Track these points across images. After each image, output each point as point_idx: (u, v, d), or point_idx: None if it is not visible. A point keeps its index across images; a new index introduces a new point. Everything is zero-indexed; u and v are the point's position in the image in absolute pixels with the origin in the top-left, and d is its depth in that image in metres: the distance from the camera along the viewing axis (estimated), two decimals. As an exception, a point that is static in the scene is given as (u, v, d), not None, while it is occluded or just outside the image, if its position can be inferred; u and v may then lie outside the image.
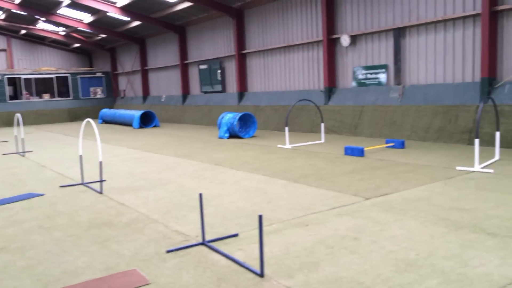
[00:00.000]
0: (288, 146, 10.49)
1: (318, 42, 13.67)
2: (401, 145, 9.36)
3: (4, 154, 11.56)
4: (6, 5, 20.58)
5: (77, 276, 3.56)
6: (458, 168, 6.97)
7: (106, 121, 21.89)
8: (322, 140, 11.17)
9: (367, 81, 12.35)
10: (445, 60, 10.49)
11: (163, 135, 15.13)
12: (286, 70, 15.13)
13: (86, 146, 12.28)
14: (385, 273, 3.32)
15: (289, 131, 13.27)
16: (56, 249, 4.20)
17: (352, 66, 12.76)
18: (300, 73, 14.56)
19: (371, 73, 12.25)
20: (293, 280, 3.28)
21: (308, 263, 3.59)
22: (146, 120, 18.92)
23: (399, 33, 11.32)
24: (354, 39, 12.55)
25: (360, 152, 8.61)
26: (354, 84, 12.73)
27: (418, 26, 10.93)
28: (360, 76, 12.52)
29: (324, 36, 13.09)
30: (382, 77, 11.94)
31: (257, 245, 4.00)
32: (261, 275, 3.38)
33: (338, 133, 12.52)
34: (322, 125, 11.40)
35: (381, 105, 11.66)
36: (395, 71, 11.52)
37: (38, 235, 4.65)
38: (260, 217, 3.30)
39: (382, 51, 11.93)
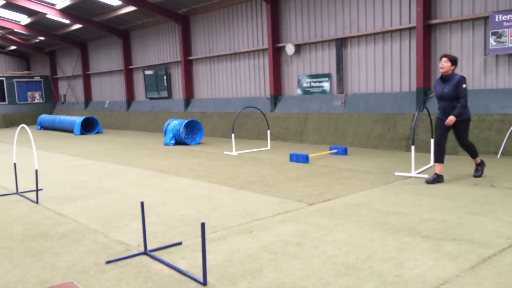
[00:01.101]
0: (234, 153, 10.51)
1: (263, 50, 13.85)
2: (344, 152, 9.66)
3: None
4: None
5: (8, 291, 3.35)
6: (396, 173, 7.29)
7: (45, 127, 20.89)
8: (268, 147, 11.29)
9: (312, 89, 12.65)
10: (384, 70, 10.97)
11: (106, 141, 14.65)
12: (232, 77, 15.19)
13: (22, 153, 11.64)
14: (326, 277, 3.40)
15: (236, 138, 13.30)
16: (-15, 264, 3.93)
17: (297, 74, 13.03)
18: (247, 81, 14.66)
19: (315, 82, 12.57)
20: (236, 288, 3.28)
21: (251, 269, 3.60)
22: (88, 127, 18.25)
23: (341, 43, 11.71)
24: (298, 48, 12.84)
25: (304, 159, 8.79)
26: (299, 92, 13.00)
27: (358, 37, 11.37)
28: (305, 84, 12.81)
29: (269, 44, 13.28)
30: (326, 85, 12.28)
31: (200, 253, 3.96)
32: (204, 283, 3.34)
33: (284, 140, 12.71)
34: (268, 132, 11.53)
35: (325, 113, 11.98)
36: (338, 80, 11.90)
37: (-35, 249, 4.34)
38: (203, 224, 3.27)
39: (325, 60, 12.28)
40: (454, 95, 6.37)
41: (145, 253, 4.06)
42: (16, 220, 5.35)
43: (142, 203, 4.06)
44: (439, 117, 6.66)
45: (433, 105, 9.71)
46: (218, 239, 4.38)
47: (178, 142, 12.93)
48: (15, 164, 7.10)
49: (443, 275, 3.36)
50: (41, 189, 6.87)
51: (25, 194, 6.70)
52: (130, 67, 19.84)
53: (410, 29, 10.32)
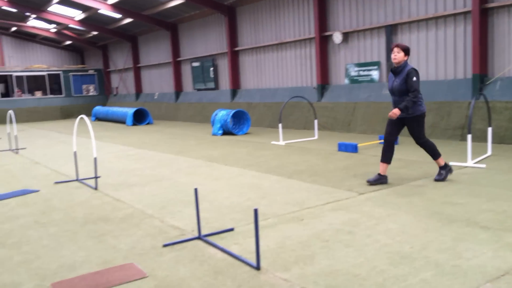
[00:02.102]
0: (281, 142, 10.53)
1: (310, 39, 13.71)
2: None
3: (-4, 151, 11.49)
4: (-3, 2, 20.38)
5: (75, 270, 3.57)
6: (451, 163, 7.05)
7: (99, 118, 21.79)
8: (316, 137, 11.22)
9: (360, 78, 12.42)
10: (437, 57, 10.58)
11: (156, 132, 15.10)
12: (279, 67, 15.16)
13: (79, 143, 12.23)
14: (380, 265, 3.37)
15: (283, 128, 13.30)
16: (53, 244, 4.20)
17: (345, 63, 12.82)
18: (293, 70, 14.60)
19: (363, 70, 12.32)
20: (289, 273, 3.32)
21: (303, 256, 3.63)
22: (139, 118, 18.86)
23: (391, 30, 11.39)
24: (346, 36, 12.61)
25: (353, 148, 8.68)
26: (346, 81, 12.80)
27: (409, 23, 11.01)
28: (353, 73, 12.59)
29: (316, 33, 13.13)
30: (375, 74, 12.01)
31: (252, 239, 4.03)
32: (258, 268, 3.41)
33: (331, 130, 12.58)
34: (315, 122, 11.45)
35: (374, 102, 11.73)
36: (388, 68, 11.60)
37: (34, 231, 4.65)
38: (256, 210, 3.33)
39: (375, 48, 12.00)
40: (404, 89, 5.70)
41: (199, 237, 4.19)
42: (78, 205, 5.66)
43: (195, 190, 4.18)
44: None
45: (491, 92, 9.28)
46: (269, 226, 4.44)
47: (226, 132, 13.12)
48: (75, 152, 7.48)
49: (504, 266, 3.24)
50: (99, 177, 7.21)
51: (84, 181, 7.06)
52: (178, 59, 20.25)
53: (465, 13, 9.87)
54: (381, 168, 5.97)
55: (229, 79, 17.24)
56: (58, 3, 19.88)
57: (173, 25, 19.98)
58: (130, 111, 18.45)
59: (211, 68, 18.19)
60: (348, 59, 12.74)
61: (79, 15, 21.41)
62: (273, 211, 4.98)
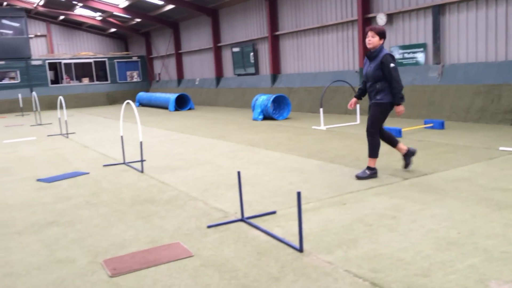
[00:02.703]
0: (322, 127, 10.45)
1: (353, 21, 13.41)
2: (441, 126, 9.15)
3: (49, 135, 12.06)
4: (46, -8, 21.15)
5: (125, 248, 3.73)
6: (501, 148, 6.77)
7: (143, 104, 22.35)
8: (358, 122, 11.05)
9: (404, 61, 12.06)
10: (487, 38, 10.09)
11: (198, 117, 15.34)
12: (319, 51, 14.95)
13: (125, 128, 12.62)
14: (425, 250, 3.32)
15: (324, 112, 13.17)
16: (103, 223, 4.41)
17: (389, 45, 12.47)
18: (334, 54, 14.36)
19: (408, 53, 11.95)
20: (332, 256, 3.33)
21: (346, 240, 3.63)
22: (181, 103, 19.20)
23: (438, 11, 10.95)
24: (390, 17, 12.24)
25: (397, 133, 8.48)
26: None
27: (458, 2, 10.53)
28: (397, 56, 12.22)
29: (359, 15, 12.82)
30: (420, 56, 11.62)
31: (295, 222, 4.07)
32: (301, 250, 3.44)
33: (373, 115, 12.32)
34: (358, 106, 11.26)
35: (419, 85, 11.38)
36: (434, 50, 11.19)
37: (86, 210, 4.88)
38: (299, 193, 3.35)
39: (420, 29, 11.58)
40: (378, 75, 5.32)
41: (242, 220, 4.27)
42: (125, 187, 5.88)
43: (238, 173, 4.24)
44: (370, 102, 5.65)
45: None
46: (311, 210, 4.45)
47: (266, 117, 13.14)
48: (122, 137, 7.75)
49: (559, 254, 3.12)
50: (144, 160, 7.43)
51: (131, 164, 7.31)
52: (219, 44, 20.36)
53: (519, -10, 9.33)
54: (370, 162, 5.58)
55: (269, 64, 17.19)
56: (103, -9, 20.38)
57: (213, 11, 20.06)
58: (172, 96, 18.80)
59: (251, 53, 18.18)
60: (392, 41, 12.38)
61: (123, 2, 21.89)
62: (315, 195, 4.98)
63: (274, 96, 12.93)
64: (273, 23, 16.54)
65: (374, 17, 12.58)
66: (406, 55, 11.99)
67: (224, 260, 3.39)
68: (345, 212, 4.33)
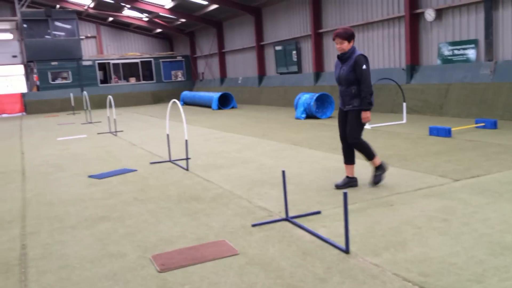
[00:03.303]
0: (367, 126, 10.24)
1: (399, 18, 13.07)
2: (493, 125, 8.75)
3: (98, 133, 12.54)
4: (96, -6, 22.00)
5: (172, 244, 3.82)
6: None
7: (187, 103, 22.78)
8: (404, 121, 10.76)
9: (454, 58, 11.62)
10: (546, 32, 9.55)
11: (240, 116, 15.45)
12: (365, 48, 14.67)
13: (170, 126, 12.88)
14: (478, 255, 3.19)
15: (368, 111, 12.94)
16: (152, 219, 4.53)
17: (437, 42, 12.06)
18: (380, 51, 14.05)
19: (458, 49, 11.51)
20: (379, 258, 3.27)
21: (394, 242, 3.55)
22: (224, 102, 19.41)
23: (490, 5, 10.47)
24: (439, 13, 11.83)
25: (446, 133, 8.20)
26: (439, 61, 12.05)
27: (514, -4, 10.04)
28: (446, 53, 11.81)
29: (406, 11, 12.47)
30: (471, 53, 11.16)
31: (340, 223, 4.02)
32: (347, 251, 3.40)
33: (421, 113, 11.98)
34: (404, 104, 10.96)
35: (469, 83, 10.93)
36: (486, 46, 10.71)
37: (135, 206, 5.04)
38: (345, 194, 3.31)
39: (471, 25, 11.12)
40: (351, 78, 4.97)
41: (286, 219, 4.26)
42: (171, 184, 6.01)
43: (283, 172, 4.24)
44: (340, 108, 5.32)
45: None
46: (357, 211, 4.38)
47: (309, 115, 13.05)
48: (168, 135, 7.93)
49: None
50: (189, 158, 7.58)
51: (176, 162, 7.47)
52: (262, 43, 20.41)
53: None
54: (347, 170, 5.29)
55: (312, 62, 17.06)
56: (149, -7, 20.94)
57: (257, 9, 20.13)
58: (215, 95, 19.04)
59: (294, 52, 18.11)
60: (441, 37, 11.96)
61: (168, 3, 22.39)
62: (361, 195, 4.90)
63: (317, 94, 12.82)
64: (317, 21, 16.39)
65: (422, 13, 12.20)
66: (456, 52, 11.55)
67: (269, 259, 3.40)
68: (393, 213, 4.23)
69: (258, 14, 20.24)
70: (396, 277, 2.97)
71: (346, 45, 4.96)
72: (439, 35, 12.00)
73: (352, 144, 5.18)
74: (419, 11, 12.27)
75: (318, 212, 4.43)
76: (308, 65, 17.65)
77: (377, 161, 5.23)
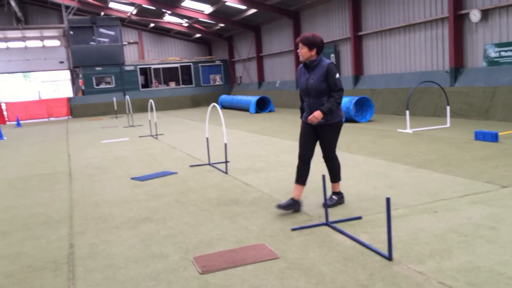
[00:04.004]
0: (409, 130, 10.01)
1: (442, 19, 12.70)
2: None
3: (140, 136, 12.88)
4: (138, 1, 22.65)
5: (212, 246, 3.87)
6: None
7: (225, 106, 23.02)
8: (448, 125, 10.44)
9: (501, 60, 11.17)
10: None
11: (278, 119, 15.45)
12: (406, 51, 14.35)
13: (209, 130, 13.08)
14: (530, 266, 3.05)
15: (410, 115, 12.63)
16: (192, 221, 4.61)
17: (483, 43, 11.64)
18: (422, 54, 13.70)
19: (506, 51, 11.05)
20: (424, 266, 3.18)
21: (439, 250, 3.45)
22: (262, 105, 19.47)
23: (542, 4, 10.01)
24: (485, 13, 11.41)
25: (493, 137, 7.89)
26: (484, 63, 11.62)
27: None
28: (493, 54, 11.37)
29: (450, 12, 12.12)
30: (520, 54, 10.69)
31: (382, 229, 3.94)
32: (390, 258, 3.33)
33: (465, 117, 11.58)
34: (448, 108, 10.64)
35: (518, 86, 10.48)
36: (537, 46, 10.24)
37: (176, 208, 5.14)
38: (388, 199, 3.25)
39: (521, 25, 10.67)
40: (323, 88, 4.50)
41: (326, 224, 4.22)
42: (211, 187, 6.09)
43: (323, 176, 4.21)
44: (305, 122, 4.76)
45: None
46: (400, 217, 4.29)
47: (348, 119, 12.88)
48: (207, 138, 8.04)
49: None
50: (228, 161, 7.65)
51: (215, 165, 7.56)
52: (300, 46, 20.34)
53: None
54: (295, 191, 4.73)
55: (351, 65, 16.85)
56: (189, -1, 21.35)
57: (295, 13, 20.11)
58: (253, 99, 19.14)
59: (332, 55, 17.94)
60: (487, 39, 11.54)
61: (208, 8, 22.75)
62: (403, 201, 4.79)
63: (356, 98, 12.65)
64: (356, 23, 16.19)
65: (467, 14, 11.82)
66: (503, 54, 11.10)
67: (310, 264, 3.38)
68: (437, 220, 4.11)
69: (297, 18, 20.21)
70: (442, 286, 2.88)
71: (305, 52, 4.50)
72: (485, 36, 11.57)
73: (328, 158, 4.77)
74: (463, 12, 11.89)
75: (359, 218, 4.36)
76: (347, 68, 17.45)
77: (339, 187, 4.87)
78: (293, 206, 4.67)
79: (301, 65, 4.72)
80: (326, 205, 4.28)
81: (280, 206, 4.63)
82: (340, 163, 4.89)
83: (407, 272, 3.12)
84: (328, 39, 18.22)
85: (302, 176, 4.76)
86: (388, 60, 15.20)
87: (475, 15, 11.54)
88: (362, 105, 13.07)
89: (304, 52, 4.52)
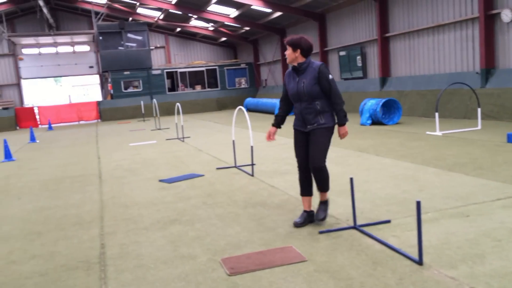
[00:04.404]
0: (438, 133, 9.82)
1: (472, 19, 12.41)
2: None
3: (167, 139, 13.06)
4: (165, 6, 23.02)
5: (240, 248, 3.89)
6: None
7: (250, 109, 23.10)
8: (479, 127, 10.18)
9: (535, 60, 10.83)
10: None
11: (304, 122, 15.37)
12: (434, 52, 14.09)
13: (235, 132, 13.14)
14: None
15: (439, 117, 12.38)
16: (220, 224, 4.64)
17: (516, 43, 11.31)
18: (452, 55, 13.42)
19: (540, 50, 10.72)
20: (456, 271, 3.12)
21: (472, 255, 3.37)
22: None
23: None
24: (519, 12, 11.10)
25: (526, 140, 7.66)
26: (518, 63, 11.29)
27: None
28: (526, 54, 11.04)
29: (480, 12, 11.83)
30: (555, 54, 10.35)
31: (411, 233, 3.89)
32: (420, 262, 3.27)
33: (497, 119, 11.27)
34: (479, 110, 10.38)
35: (553, 87, 10.14)
36: None
37: (203, 210, 5.19)
38: (418, 202, 3.21)
39: (556, 23, 10.32)
40: (316, 92, 4.20)
41: (354, 227, 4.19)
42: (237, 190, 6.13)
43: (351, 179, 4.18)
44: (297, 129, 4.47)
45: None
46: (430, 221, 4.21)
47: (375, 122, 12.73)
48: (233, 141, 8.09)
49: None
50: (255, 164, 7.68)
51: (242, 168, 7.59)
52: (325, 49, 20.25)
53: None
54: (304, 203, 4.49)
55: (378, 67, 16.65)
56: (216, 3, 21.56)
57: (321, 15, 20.02)
58: (278, 102, 19.10)
59: (358, 57, 17.77)
60: (520, 38, 11.21)
61: (233, 12, 22.91)
62: (433, 205, 4.70)
63: (383, 100, 12.49)
64: (383, 25, 15.99)
65: (498, 14, 11.52)
66: (538, 53, 10.76)
67: (338, 267, 3.36)
68: (469, 224, 4.02)
69: (322, 20, 20.12)
70: (474, 292, 2.82)
71: (290, 53, 4.27)
72: (518, 35, 11.25)
73: (316, 169, 4.28)
74: (494, 11, 11.59)
75: (388, 221, 4.31)
76: (374, 70, 17.25)
77: (326, 196, 4.48)
78: (308, 218, 4.42)
79: (289, 69, 4.48)
80: (318, 219, 4.21)
81: (297, 225, 4.35)
82: (329, 174, 4.41)
83: (438, 277, 3.06)
84: (354, 41, 18.07)
85: (306, 187, 4.49)
86: (416, 61, 14.95)
87: (506, 15, 11.24)
88: (390, 107, 12.89)
89: (288, 53, 4.30)
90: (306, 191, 4.49)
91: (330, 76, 4.24)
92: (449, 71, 13.56)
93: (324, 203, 4.47)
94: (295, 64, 4.31)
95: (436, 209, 4.54)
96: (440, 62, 13.90)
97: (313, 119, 4.30)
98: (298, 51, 4.26)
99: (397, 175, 6.23)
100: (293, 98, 4.41)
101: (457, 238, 3.72)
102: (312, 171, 4.33)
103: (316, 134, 4.29)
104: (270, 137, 4.66)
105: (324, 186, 4.38)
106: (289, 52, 4.29)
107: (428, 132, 10.16)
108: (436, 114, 10.06)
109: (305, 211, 4.47)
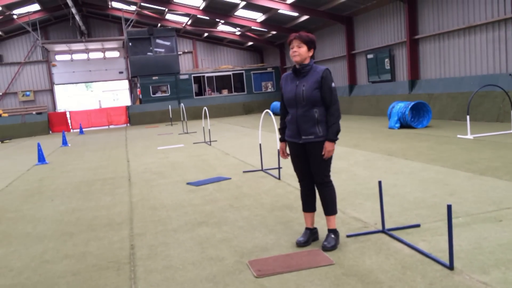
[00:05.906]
0: (469, 136, 9.58)
1: (506, 20, 12.08)
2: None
3: (194, 143, 13.21)
4: (193, 11, 23.35)
5: (267, 250, 3.90)
6: None
7: (276, 113, 23.08)
8: (512, 130, 9.89)
9: None
10: None
11: (331, 126, 15.27)
12: (466, 54, 13.76)
13: (261, 136, 13.18)
14: None
15: (470, 120, 12.09)
16: (247, 226, 4.67)
17: (552, 43, 10.94)
18: (483, 56, 13.08)
19: None
20: (488, 276, 3.04)
21: (505, 260, 3.28)
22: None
23: None
24: (555, 11, 10.74)
25: None
26: (554, 64, 10.90)
27: None
28: None
29: (514, 11, 11.51)
30: None
31: (442, 237, 3.81)
32: (451, 267, 3.21)
33: (532, 122, 10.91)
34: (512, 112, 10.08)
35: None
36: None
37: (230, 213, 5.23)
38: (449, 206, 3.15)
39: None
40: (316, 97, 3.78)
41: (383, 231, 4.13)
42: (264, 193, 6.14)
43: (380, 183, 4.13)
44: (291, 141, 4.00)
45: None
46: (461, 225, 4.12)
47: (403, 125, 12.53)
48: (260, 145, 8.12)
49: None
50: (281, 167, 7.67)
51: (268, 171, 7.61)
52: (353, 52, 20.08)
53: None
54: (307, 220, 4.14)
55: (407, 70, 16.39)
56: (243, 7, 21.71)
57: (348, 18, 19.88)
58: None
59: (387, 59, 17.55)
60: (556, 38, 10.84)
61: (260, 17, 23.01)
62: (464, 209, 4.59)
63: (412, 103, 12.28)
64: (412, 27, 15.74)
65: (533, 13, 11.17)
66: None
67: (366, 271, 3.33)
68: (502, 229, 3.91)
69: (349, 23, 19.97)
70: (508, 298, 2.74)
71: (304, 51, 3.84)
72: (554, 35, 10.88)
73: (322, 184, 3.94)
74: (529, 10, 11.26)
75: (417, 225, 4.23)
76: (402, 73, 16.98)
77: (334, 221, 3.99)
78: (312, 236, 4.08)
79: (287, 72, 4.10)
80: (326, 248, 3.80)
81: (300, 244, 3.97)
82: (335, 192, 4.03)
83: (469, 282, 2.99)
84: (382, 44, 17.85)
85: (308, 203, 4.12)
86: (447, 63, 14.64)
87: (542, 14, 10.89)
88: (419, 110, 12.66)
89: (303, 52, 3.84)
90: (308, 206, 4.12)
91: (333, 84, 3.84)
92: (480, 73, 13.22)
93: (333, 232, 3.95)
94: (300, 65, 3.90)
95: (468, 214, 4.43)
96: (472, 64, 13.57)
97: (310, 128, 3.84)
98: (312, 50, 3.93)
99: (426, 179, 6.11)
100: (288, 104, 3.96)
101: (489, 243, 3.63)
102: (317, 188, 4.03)
103: (316, 148, 3.85)
104: (284, 154, 4.23)
105: (330, 207, 3.96)
106: (303, 49, 3.85)
107: (459, 136, 9.93)
108: (467, 117, 9.82)
109: (307, 228, 4.11)
